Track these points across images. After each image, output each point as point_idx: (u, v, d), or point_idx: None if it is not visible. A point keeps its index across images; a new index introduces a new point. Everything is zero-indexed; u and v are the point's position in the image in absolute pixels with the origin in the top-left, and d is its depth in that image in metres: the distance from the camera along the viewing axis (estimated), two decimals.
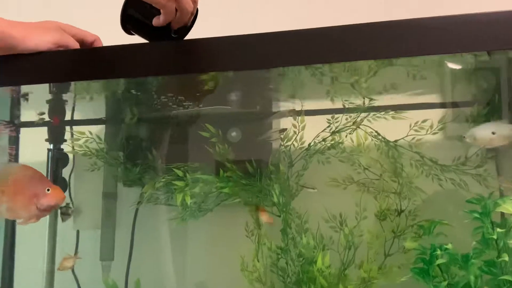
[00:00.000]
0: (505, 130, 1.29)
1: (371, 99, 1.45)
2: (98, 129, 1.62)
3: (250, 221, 1.52)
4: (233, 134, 1.50)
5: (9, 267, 1.62)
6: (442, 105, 1.48)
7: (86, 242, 1.65)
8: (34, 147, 1.65)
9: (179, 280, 1.62)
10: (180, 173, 1.48)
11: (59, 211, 1.59)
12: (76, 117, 1.63)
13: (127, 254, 1.67)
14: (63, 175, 1.62)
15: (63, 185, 1.59)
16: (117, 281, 1.55)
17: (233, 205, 1.54)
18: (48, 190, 1.24)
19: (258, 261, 1.45)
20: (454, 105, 1.46)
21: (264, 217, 1.47)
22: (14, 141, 1.63)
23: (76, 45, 1.23)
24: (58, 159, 1.59)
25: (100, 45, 1.28)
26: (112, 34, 1.20)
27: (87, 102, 1.54)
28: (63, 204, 1.56)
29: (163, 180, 1.50)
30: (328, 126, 1.50)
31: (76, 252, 1.62)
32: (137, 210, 1.64)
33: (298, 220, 1.47)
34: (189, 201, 1.43)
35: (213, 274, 1.63)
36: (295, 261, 1.43)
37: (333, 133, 1.49)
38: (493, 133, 1.29)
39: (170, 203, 1.58)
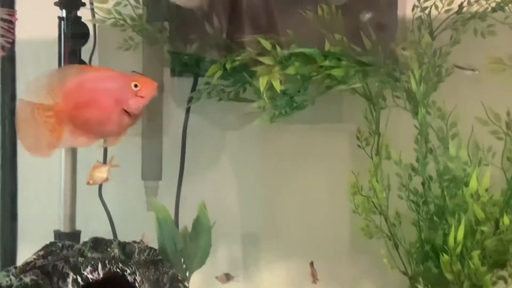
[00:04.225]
0: None
1: None
2: None
3: (364, 124, 1.29)
4: None
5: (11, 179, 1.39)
6: None
7: (119, 153, 1.37)
8: (37, 14, 1.40)
9: (253, 211, 1.47)
10: (267, 44, 1.18)
11: None
12: None
13: (177, 172, 1.43)
14: (81, 57, 1.38)
15: None
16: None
17: (338, 99, 1.36)
18: (136, 86, 1.08)
19: (377, 181, 1.25)
20: None
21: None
22: (9, 4, 1.34)
23: None
24: (73, 32, 1.34)
25: None
26: None
27: None
28: None
29: (238, 58, 1.20)
30: None
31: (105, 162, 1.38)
32: (189, 108, 1.41)
33: (440, 122, 1.23)
34: (278, 87, 1.16)
35: (306, 201, 1.46)
36: (436, 181, 1.23)
37: None
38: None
39: (244, 98, 1.33)
